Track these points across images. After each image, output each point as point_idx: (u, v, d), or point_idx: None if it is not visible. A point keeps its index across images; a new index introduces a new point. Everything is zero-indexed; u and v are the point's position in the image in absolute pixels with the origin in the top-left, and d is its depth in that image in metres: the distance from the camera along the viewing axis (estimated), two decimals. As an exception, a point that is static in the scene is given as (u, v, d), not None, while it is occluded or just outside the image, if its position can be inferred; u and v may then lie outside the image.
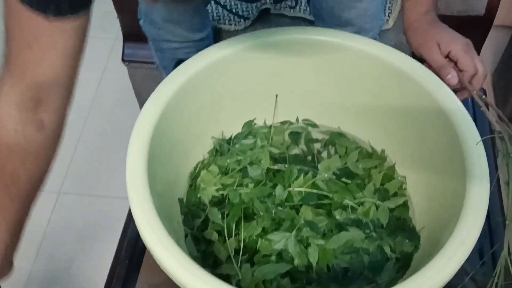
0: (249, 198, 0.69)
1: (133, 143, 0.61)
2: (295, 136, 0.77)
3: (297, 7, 1.10)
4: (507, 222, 0.57)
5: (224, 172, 0.73)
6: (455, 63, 0.69)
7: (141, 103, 1.44)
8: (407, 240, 0.64)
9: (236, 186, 0.70)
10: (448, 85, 0.66)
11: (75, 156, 1.45)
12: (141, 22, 0.97)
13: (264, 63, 0.72)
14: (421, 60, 0.70)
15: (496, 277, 0.58)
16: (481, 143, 0.60)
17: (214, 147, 0.77)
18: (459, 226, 0.54)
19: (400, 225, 0.66)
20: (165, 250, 0.51)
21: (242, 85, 0.74)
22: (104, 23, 1.79)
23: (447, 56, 0.69)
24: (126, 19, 1.25)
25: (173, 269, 0.50)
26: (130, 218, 0.79)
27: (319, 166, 0.71)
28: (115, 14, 1.76)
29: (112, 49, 1.71)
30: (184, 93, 0.67)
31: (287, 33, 0.72)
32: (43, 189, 0.60)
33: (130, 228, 0.79)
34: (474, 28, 1.11)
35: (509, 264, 0.57)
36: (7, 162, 0.55)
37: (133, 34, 1.28)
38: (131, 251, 0.77)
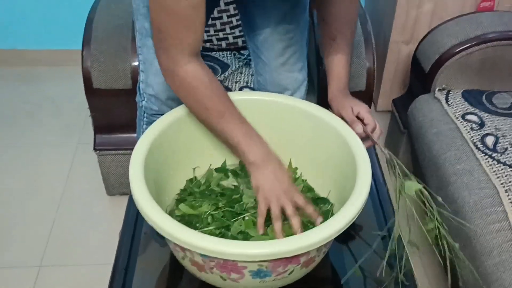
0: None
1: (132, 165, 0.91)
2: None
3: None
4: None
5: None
6: (362, 121, 1.04)
7: (108, 187, 1.73)
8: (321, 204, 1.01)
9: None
10: (356, 133, 1.01)
11: (52, 232, 1.67)
12: (143, 102, 1.26)
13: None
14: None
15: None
16: (369, 160, 0.94)
17: (184, 187, 1.08)
18: (353, 194, 0.88)
19: (313, 198, 1.03)
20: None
21: (201, 135, 1.07)
22: (66, 133, 2.11)
23: (357, 116, 1.05)
24: (98, 115, 1.58)
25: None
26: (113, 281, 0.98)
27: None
28: (76, 125, 2.09)
29: (76, 151, 2.00)
30: (161, 138, 0.99)
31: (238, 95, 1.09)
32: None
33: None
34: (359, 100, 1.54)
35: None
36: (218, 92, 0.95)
37: (102, 127, 1.61)
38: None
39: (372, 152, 1.26)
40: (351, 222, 0.84)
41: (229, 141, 0.95)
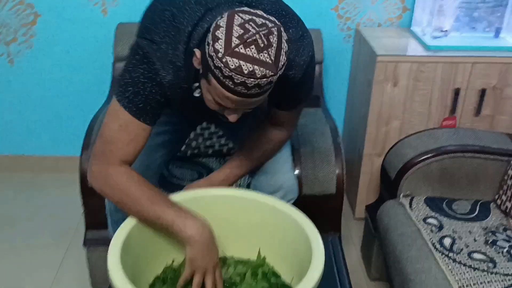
0: None
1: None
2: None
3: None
4: None
5: None
6: None
7: (93, 282, 1.81)
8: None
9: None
10: None
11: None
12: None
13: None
14: None
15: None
16: (323, 250, 1.07)
17: (160, 275, 1.19)
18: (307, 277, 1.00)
19: (277, 284, 1.13)
20: None
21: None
22: (59, 234, 2.21)
23: None
24: (90, 212, 1.71)
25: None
26: None
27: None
28: (69, 228, 2.20)
29: (67, 251, 2.10)
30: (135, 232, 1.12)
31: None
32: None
33: None
34: (331, 202, 1.69)
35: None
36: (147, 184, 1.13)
37: (94, 223, 1.73)
38: None
39: (338, 248, 1.38)
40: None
41: (164, 224, 1.09)
